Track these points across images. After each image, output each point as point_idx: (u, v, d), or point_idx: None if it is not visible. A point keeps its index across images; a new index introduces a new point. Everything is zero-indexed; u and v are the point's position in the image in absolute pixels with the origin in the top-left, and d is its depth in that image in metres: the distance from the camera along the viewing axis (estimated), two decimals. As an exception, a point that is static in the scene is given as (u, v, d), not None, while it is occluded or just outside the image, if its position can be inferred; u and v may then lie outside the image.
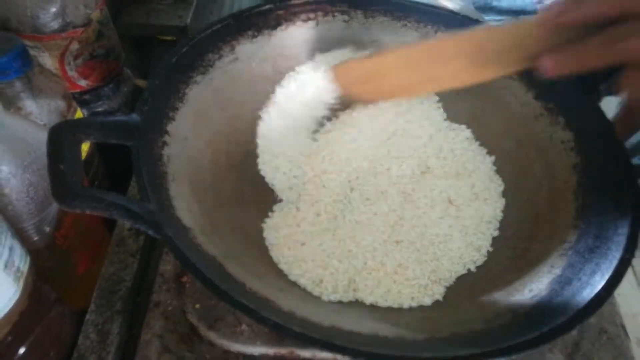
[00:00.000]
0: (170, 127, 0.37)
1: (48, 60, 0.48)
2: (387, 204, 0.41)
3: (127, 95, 0.55)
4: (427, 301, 0.37)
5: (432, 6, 0.48)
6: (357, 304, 0.37)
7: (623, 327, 0.39)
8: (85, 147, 0.45)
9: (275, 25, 0.46)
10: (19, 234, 0.35)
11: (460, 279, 0.39)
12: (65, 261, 0.41)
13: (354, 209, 0.41)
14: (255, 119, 0.45)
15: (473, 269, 0.39)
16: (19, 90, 0.39)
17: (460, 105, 0.47)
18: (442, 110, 0.47)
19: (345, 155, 0.43)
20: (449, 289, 0.38)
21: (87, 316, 0.39)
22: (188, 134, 0.39)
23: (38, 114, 0.40)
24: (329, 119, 0.45)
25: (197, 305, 0.37)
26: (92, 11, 0.48)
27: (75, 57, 0.49)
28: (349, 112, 0.45)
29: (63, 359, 0.38)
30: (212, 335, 0.36)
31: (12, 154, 0.34)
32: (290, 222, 0.40)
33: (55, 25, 0.46)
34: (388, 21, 0.48)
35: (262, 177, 0.43)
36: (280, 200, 0.42)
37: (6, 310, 0.32)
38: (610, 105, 0.43)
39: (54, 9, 0.45)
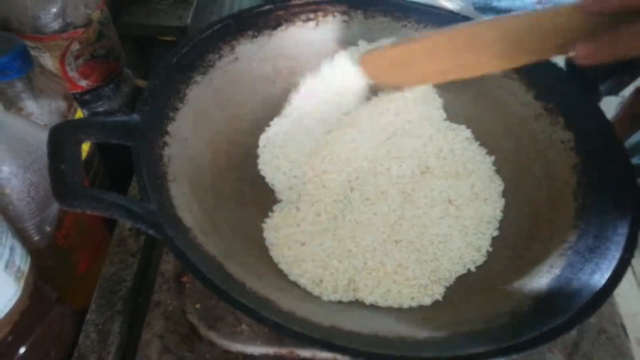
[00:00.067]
0: (170, 127, 0.37)
1: (49, 61, 0.48)
2: (387, 204, 0.41)
3: (128, 95, 0.55)
4: (427, 301, 0.37)
5: (432, 7, 0.48)
6: (357, 304, 0.37)
7: (623, 327, 0.39)
8: (85, 147, 0.45)
9: (275, 26, 0.46)
10: (20, 234, 0.35)
11: (460, 279, 0.39)
12: (66, 261, 0.41)
13: (354, 209, 0.41)
14: (255, 119, 0.45)
15: (473, 269, 0.39)
16: (19, 91, 0.39)
17: (460, 105, 0.47)
18: (442, 110, 0.47)
19: (345, 155, 0.43)
20: (449, 289, 0.38)
21: (88, 316, 0.39)
22: (188, 134, 0.39)
23: (39, 114, 0.41)
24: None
25: (198, 305, 0.37)
26: (93, 11, 0.48)
27: (76, 58, 0.49)
28: (349, 112, 0.45)
29: (64, 358, 0.38)
30: (212, 335, 0.36)
31: (13, 154, 0.34)
32: (290, 222, 0.40)
33: (55, 25, 0.46)
34: (388, 22, 0.48)
35: (262, 177, 0.43)
36: (280, 200, 0.42)
37: (7, 310, 0.32)
38: (610, 105, 0.43)
39: (54, 10, 0.45)
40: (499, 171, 0.44)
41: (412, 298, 0.37)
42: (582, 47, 0.31)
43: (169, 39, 0.66)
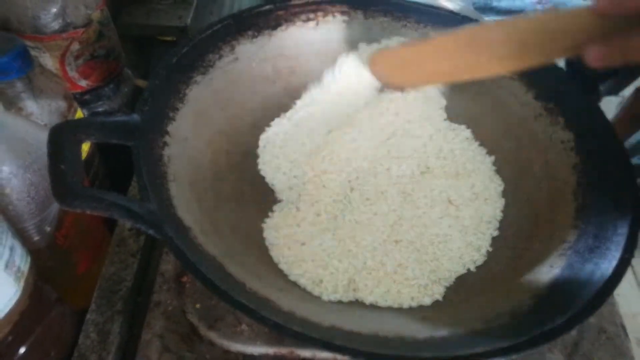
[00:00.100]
0: (170, 128, 0.37)
1: (49, 61, 0.48)
2: (387, 204, 0.41)
3: (128, 95, 0.55)
4: (427, 301, 0.37)
5: (432, 7, 0.48)
6: (357, 304, 0.37)
7: (623, 327, 0.39)
8: (85, 147, 0.45)
9: (275, 26, 0.46)
10: (20, 234, 0.35)
11: (460, 278, 0.39)
12: (66, 261, 0.41)
13: (354, 209, 0.41)
14: (255, 119, 0.45)
15: (473, 269, 0.39)
16: (19, 91, 0.39)
17: (460, 105, 0.47)
18: (442, 110, 0.47)
19: (345, 155, 0.43)
20: (449, 289, 0.38)
21: (88, 316, 0.39)
22: (188, 134, 0.39)
23: (39, 114, 0.41)
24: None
25: (198, 305, 0.37)
26: (93, 11, 0.48)
27: (76, 58, 0.49)
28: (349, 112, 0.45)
29: (64, 358, 0.38)
30: (212, 335, 0.36)
31: (13, 154, 0.34)
32: (290, 222, 0.40)
33: (55, 25, 0.46)
34: (388, 22, 0.48)
35: (262, 177, 0.43)
36: (280, 200, 0.42)
37: (7, 310, 0.32)
38: (610, 105, 0.43)
39: (54, 10, 0.45)
40: (499, 171, 0.44)
41: (412, 298, 0.37)
42: (594, 49, 0.31)
43: (169, 39, 0.66)
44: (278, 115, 0.46)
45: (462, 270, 0.39)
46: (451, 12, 0.50)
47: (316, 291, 0.37)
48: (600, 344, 0.37)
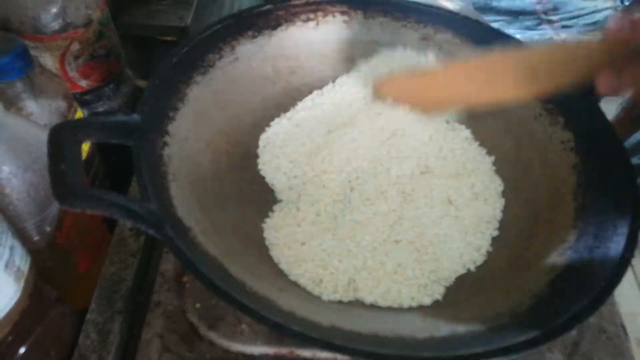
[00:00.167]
0: (170, 128, 0.37)
1: (49, 61, 0.48)
2: (386, 204, 0.41)
3: (128, 95, 0.55)
4: (427, 301, 0.37)
5: (432, 6, 0.49)
6: (357, 304, 0.37)
7: (623, 327, 0.39)
8: (85, 147, 0.45)
9: (275, 26, 0.46)
10: (20, 234, 0.35)
11: (460, 278, 0.39)
12: (66, 261, 0.41)
13: (354, 208, 0.41)
14: (255, 119, 0.45)
15: (473, 268, 0.39)
16: (20, 91, 0.39)
17: (460, 105, 0.47)
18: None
19: (345, 155, 0.43)
20: (449, 289, 0.38)
21: (88, 316, 0.39)
22: (188, 134, 0.39)
23: (39, 115, 0.41)
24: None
25: (198, 305, 0.38)
26: (93, 12, 0.48)
27: (76, 58, 0.49)
28: (349, 113, 0.45)
29: (64, 358, 0.38)
30: (212, 335, 0.36)
31: (13, 154, 0.34)
32: (290, 222, 0.40)
33: (56, 25, 0.46)
34: (388, 22, 0.48)
35: (262, 177, 0.43)
36: (280, 200, 0.42)
37: (7, 310, 0.32)
38: (610, 106, 0.43)
39: (54, 10, 0.45)
40: (498, 171, 0.44)
41: (412, 298, 0.37)
42: (604, 79, 0.31)
43: (169, 39, 0.66)
44: (278, 115, 0.46)
45: (462, 270, 0.39)
46: (451, 12, 0.50)
47: (316, 291, 0.37)
48: (600, 344, 0.37)
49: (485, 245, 0.40)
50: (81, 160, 0.33)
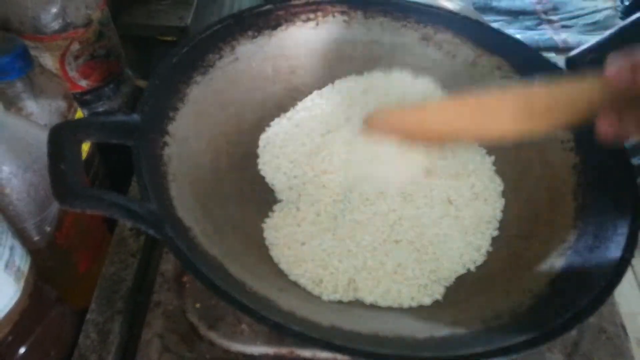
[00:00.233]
0: (170, 127, 0.37)
1: (49, 61, 0.48)
2: (386, 204, 0.41)
3: (128, 95, 0.55)
4: (427, 301, 0.37)
5: (432, 6, 0.49)
6: (357, 304, 0.37)
7: (623, 327, 0.39)
8: (85, 147, 0.45)
9: (275, 26, 0.46)
10: (20, 234, 0.35)
11: (459, 278, 0.39)
12: (66, 261, 0.41)
13: (354, 209, 0.41)
14: (255, 119, 0.45)
15: (473, 268, 0.39)
16: (20, 91, 0.39)
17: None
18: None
19: (345, 156, 0.43)
20: (449, 289, 0.38)
21: (88, 316, 0.39)
22: (188, 134, 0.39)
23: (39, 115, 0.41)
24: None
25: (198, 305, 0.38)
26: (93, 12, 0.48)
27: (76, 58, 0.49)
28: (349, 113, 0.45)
29: (64, 358, 0.38)
30: (212, 335, 0.36)
31: (13, 154, 0.34)
32: (290, 222, 0.40)
33: (56, 25, 0.46)
34: (388, 21, 0.48)
35: (262, 177, 0.43)
36: (280, 200, 0.42)
37: (7, 310, 0.32)
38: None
39: (54, 10, 0.45)
40: (498, 171, 0.44)
41: (412, 298, 0.37)
42: (605, 122, 0.30)
43: (169, 39, 0.66)
44: (278, 115, 0.46)
45: (462, 270, 0.39)
46: (451, 12, 0.50)
47: (316, 291, 0.37)
48: (600, 344, 0.37)
49: (485, 245, 0.40)
50: (81, 160, 0.33)
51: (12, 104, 0.39)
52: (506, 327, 0.32)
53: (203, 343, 0.36)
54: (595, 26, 1.03)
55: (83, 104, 0.51)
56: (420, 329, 0.32)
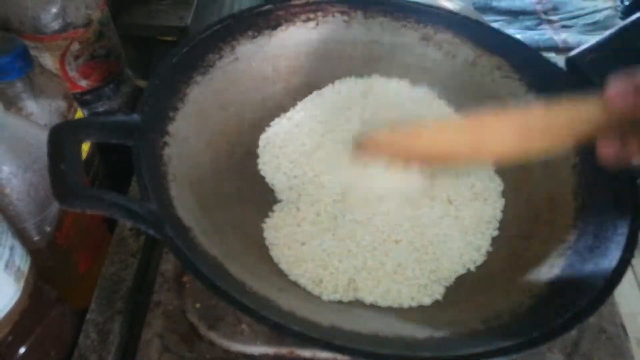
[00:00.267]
0: (170, 127, 0.37)
1: (49, 61, 0.48)
2: (386, 204, 0.41)
3: (128, 95, 0.55)
4: (427, 301, 0.37)
5: (432, 6, 0.49)
6: (357, 304, 0.37)
7: (623, 327, 0.39)
8: (85, 147, 0.45)
9: (275, 26, 0.46)
10: (20, 234, 0.35)
11: (459, 278, 0.39)
12: (66, 261, 0.41)
13: (354, 209, 0.41)
14: (255, 119, 0.45)
15: (473, 268, 0.39)
16: (20, 91, 0.39)
17: (460, 105, 0.47)
18: (441, 110, 0.47)
19: (345, 156, 0.43)
20: (449, 289, 0.38)
21: (88, 316, 0.39)
22: (188, 134, 0.39)
23: (39, 115, 0.41)
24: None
25: (198, 305, 0.38)
26: (93, 12, 0.48)
27: (76, 58, 0.49)
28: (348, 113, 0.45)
29: (64, 358, 0.38)
30: (212, 335, 0.36)
31: (13, 154, 0.34)
32: (290, 222, 0.40)
33: (56, 25, 0.46)
34: (388, 22, 0.48)
35: (262, 177, 0.43)
36: (280, 200, 0.42)
37: (7, 310, 0.32)
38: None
39: (54, 10, 0.45)
40: (498, 171, 0.44)
41: (412, 298, 0.37)
42: (606, 147, 0.29)
43: (169, 39, 0.66)
44: (278, 115, 0.46)
45: (462, 270, 0.39)
46: (451, 12, 0.50)
47: (316, 291, 0.37)
48: (600, 344, 0.37)
49: (485, 245, 0.40)
50: (81, 160, 0.33)
51: (12, 104, 0.39)
52: (506, 327, 0.32)
53: (203, 343, 0.36)
54: (595, 26, 1.02)
55: (83, 104, 0.51)
56: (420, 329, 0.32)
